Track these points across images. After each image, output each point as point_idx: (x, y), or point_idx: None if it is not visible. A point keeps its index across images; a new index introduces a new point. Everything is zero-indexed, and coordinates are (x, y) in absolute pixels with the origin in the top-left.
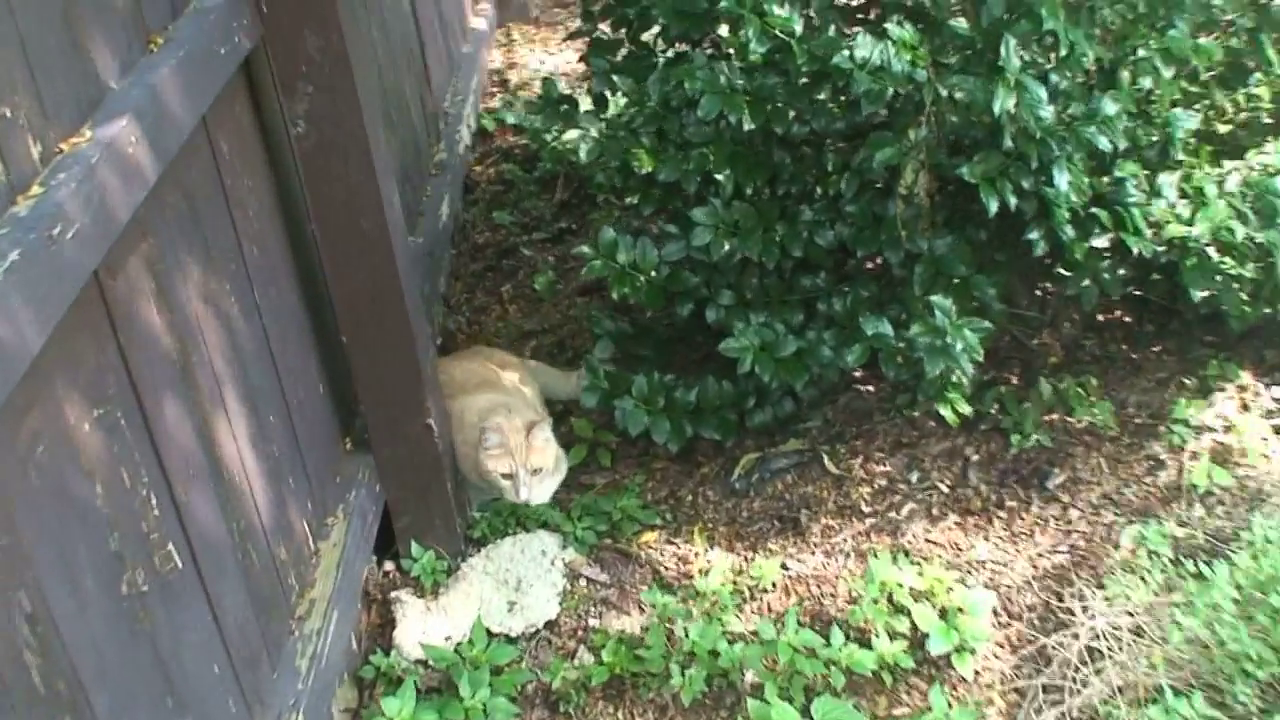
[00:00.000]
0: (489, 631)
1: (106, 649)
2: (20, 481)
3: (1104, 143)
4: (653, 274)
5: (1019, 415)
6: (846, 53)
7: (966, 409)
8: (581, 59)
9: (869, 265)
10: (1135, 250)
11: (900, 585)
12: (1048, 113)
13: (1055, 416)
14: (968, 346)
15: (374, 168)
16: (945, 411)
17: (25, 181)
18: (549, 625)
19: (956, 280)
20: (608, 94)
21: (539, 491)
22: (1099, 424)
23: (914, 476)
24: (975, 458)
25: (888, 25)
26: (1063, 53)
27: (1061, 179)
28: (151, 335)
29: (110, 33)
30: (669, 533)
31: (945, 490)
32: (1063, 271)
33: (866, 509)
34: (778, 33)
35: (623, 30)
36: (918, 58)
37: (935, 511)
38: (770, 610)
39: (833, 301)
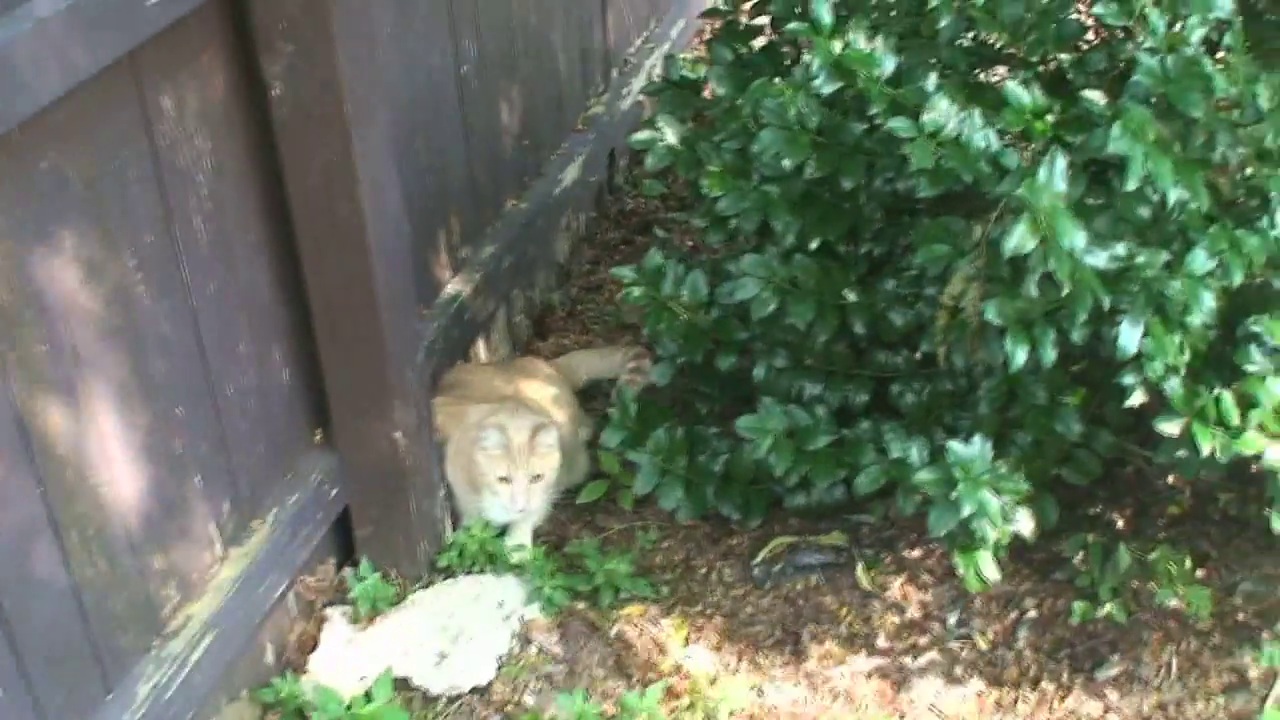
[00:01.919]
0: (407, 683)
1: None
2: None
3: (1202, 301)
4: (701, 314)
5: (1098, 575)
6: (904, 119)
7: (994, 575)
8: (705, 43)
9: None
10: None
11: None
12: (1098, 260)
13: (1148, 584)
14: (984, 512)
15: (352, 149)
16: (965, 572)
17: None
18: (477, 690)
19: (1036, 406)
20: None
21: (535, 500)
22: (1189, 611)
23: (953, 618)
24: (1033, 614)
25: (1008, 84)
26: (1129, 185)
27: (1131, 336)
28: None
29: None
30: (660, 609)
31: (982, 646)
32: (1160, 430)
33: (882, 643)
34: (855, 71)
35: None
36: (1036, 128)
37: (959, 671)
38: None
39: (908, 390)
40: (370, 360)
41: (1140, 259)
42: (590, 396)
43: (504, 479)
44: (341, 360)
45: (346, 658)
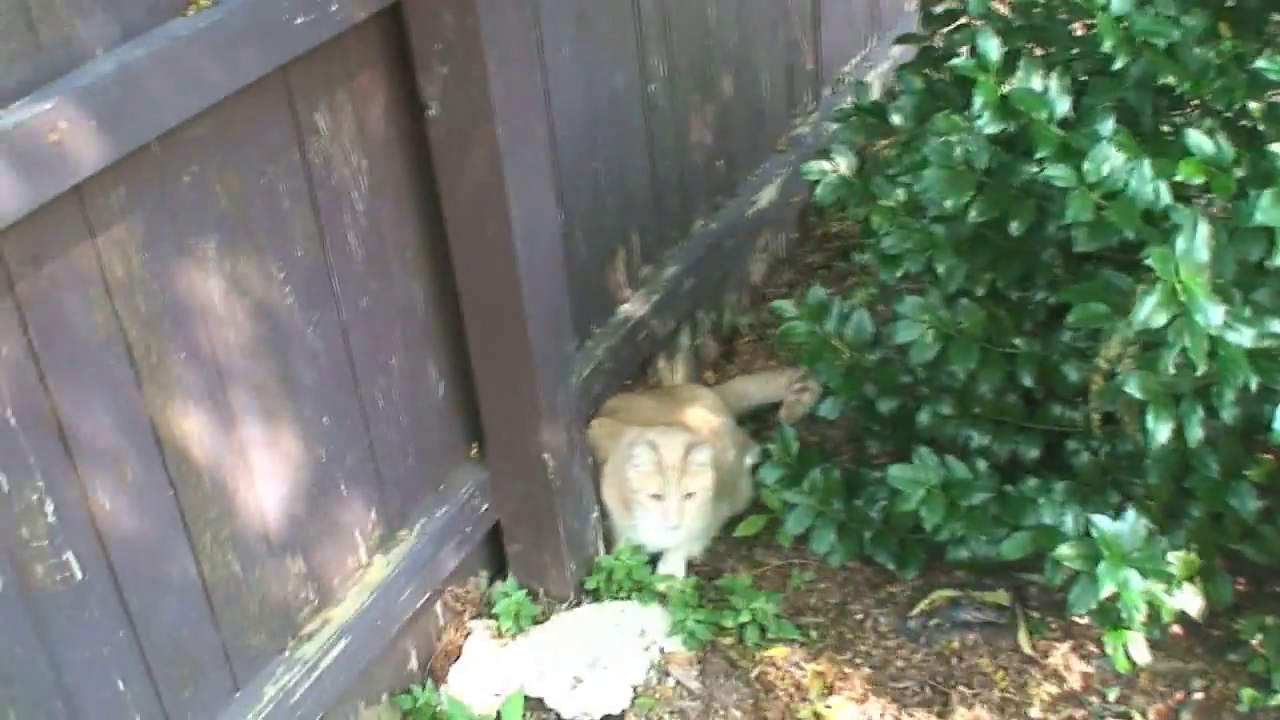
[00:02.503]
0: (541, 704)
1: None
2: None
3: None
4: (864, 354)
5: (1274, 660)
6: (1062, 166)
7: (1144, 657)
8: (897, 70)
9: None
10: None
11: None
12: (1243, 338)
13: None
14: (1127, 593)
15: (502, 170)
16: (1113, 649)
17: None
18: (609, 719)
19: (1209, 478)
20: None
21: (689, 519)
22: None
23: (1113, 693)
24: (1199, 696)
25: (1190, 132)
26: (1277, 260)
27: None
28: (93, 329)
29: None
30: (807, 653)
31: None
32: None
33: (1035, 714)
34: (1024, 112)
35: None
36: (1220, 182)
37: None
38: None
39: (1084, 449)
40: (518, 379)
41: None
42: (764, 423)
43: (656, 496)
44: (492, 378)
45: (485, 672)
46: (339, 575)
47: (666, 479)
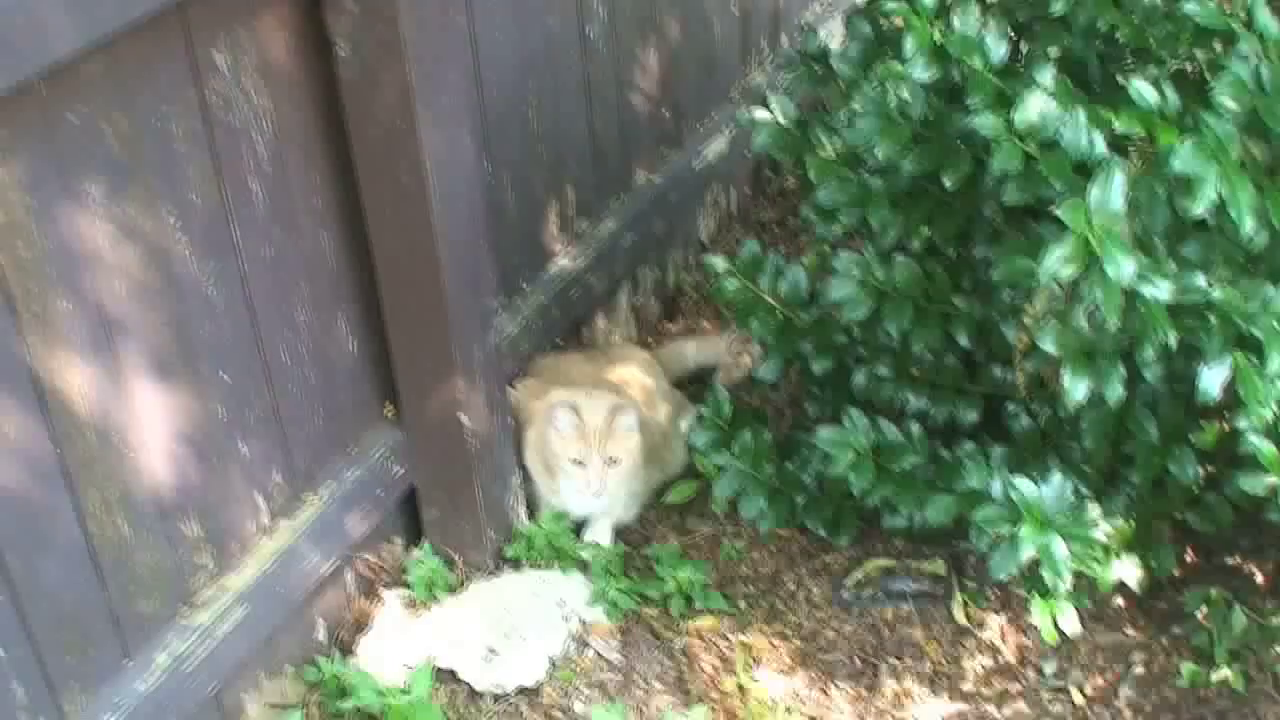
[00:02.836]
0: (454, 675)
1: None
2: None
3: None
4: (798, 313)
5: (1219, 635)
6: (990, 115)
7: (1073, 628)
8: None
9: None
10: None
11: None
12: (1159, 291)
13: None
14: (1050, 560)
15: (415, 115)
16: (1040, 618)
17: None
18: (525, 691)
19: (1147, 443)
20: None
21: (613, 486)
22: None
23: (1050, 666)
24: (1140, 670)
25: (1133, 80)
26: (1195, 209)
27: (1212, 379)
28: None
29: None
30: (735, 624)
31: (1078, 700)
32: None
33: (968, 687)
34: (958, 58)
35: None
36: (1164, 133)
37: None
38: None
39: (1023, 412)
40: (433, 336)
41: (1216, 294)
42: (705, 386)
43: (578, 461)
44: (406, 333)
45: (397, 643)
46: (238, 539)
47: (589, 443)
